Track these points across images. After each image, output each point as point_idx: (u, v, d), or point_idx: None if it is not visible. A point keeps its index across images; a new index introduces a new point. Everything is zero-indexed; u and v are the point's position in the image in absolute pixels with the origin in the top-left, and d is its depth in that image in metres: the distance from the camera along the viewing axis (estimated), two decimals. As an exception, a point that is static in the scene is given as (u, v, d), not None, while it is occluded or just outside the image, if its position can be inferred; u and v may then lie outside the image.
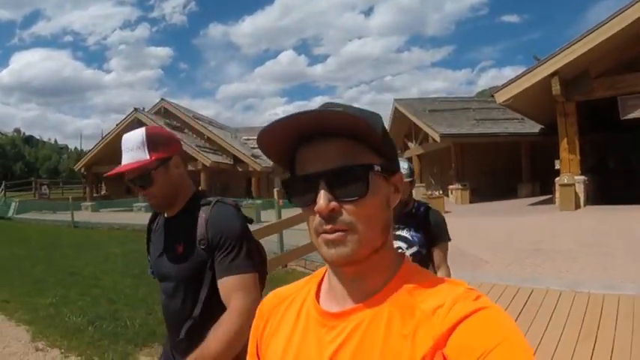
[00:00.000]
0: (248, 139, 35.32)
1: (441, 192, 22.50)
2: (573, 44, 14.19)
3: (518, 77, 15.62)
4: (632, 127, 16.01)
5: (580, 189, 15.36)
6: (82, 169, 34.05)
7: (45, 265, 10.65)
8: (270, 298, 1.06)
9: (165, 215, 2.13)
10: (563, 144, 15.66)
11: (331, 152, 0.82)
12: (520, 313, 5.20)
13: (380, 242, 0.85)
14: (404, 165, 2.98)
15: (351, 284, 0.87)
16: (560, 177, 15.72)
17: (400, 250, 2.80)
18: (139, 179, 1.98)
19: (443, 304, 0.79)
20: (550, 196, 17.70)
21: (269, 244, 7.76)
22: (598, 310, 5.07)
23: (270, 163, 31.46)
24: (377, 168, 0.82)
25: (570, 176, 15.38)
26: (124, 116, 32.55)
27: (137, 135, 1.99)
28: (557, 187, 15.76)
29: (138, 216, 21.50)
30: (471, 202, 22.31)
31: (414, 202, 3.16)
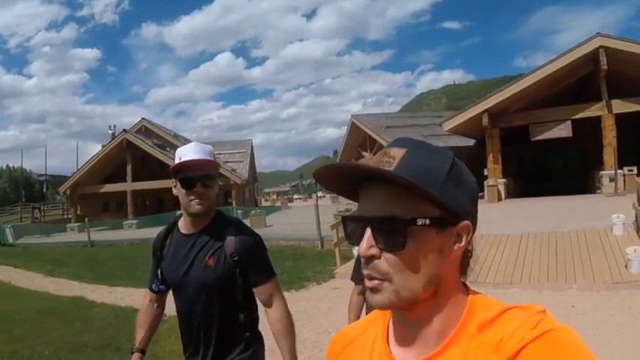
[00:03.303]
0: (220, 154, 37.60)
1: None
2: (500, 92, 20.76)
3: (459, 113, 22.29)
4: (543, 142, 22.49)
5: (502, 188, 21.70)
6: (67, 191, 33.86)
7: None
8: (339, 338, 1.06)
9: (186, 231, 2.35)
10: (490, 157, 21.87)
11: (380, 198, 0.83)
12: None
13: (425, 293, 0.83)
14: None
15: (417, 328, 0.87)
16: (487, 180, 21.78)
17: None
18: (207, 177, 2.25)
19: (505, 334, 0.78)
20: (481, 193, 24.45)
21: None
22: (509, 241, 10.00)
23: (246, 176, 36.24)
24: (421, 222, 0.80)
25: (494, 179, 21.63)
26: (112, 137, 33.86)
27: (208, 146, 2.34)
28: (485, 187, 21.83)
29: (141, 232, 22.43)
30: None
31: None
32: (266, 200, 55.70)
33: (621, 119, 19.88)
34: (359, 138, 37.71)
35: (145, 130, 36.11)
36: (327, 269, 11.34)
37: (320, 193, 66.07)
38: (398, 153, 0.83)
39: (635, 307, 6.66)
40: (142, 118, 38.12)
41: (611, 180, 19.31)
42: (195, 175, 2.20)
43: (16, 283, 13.27)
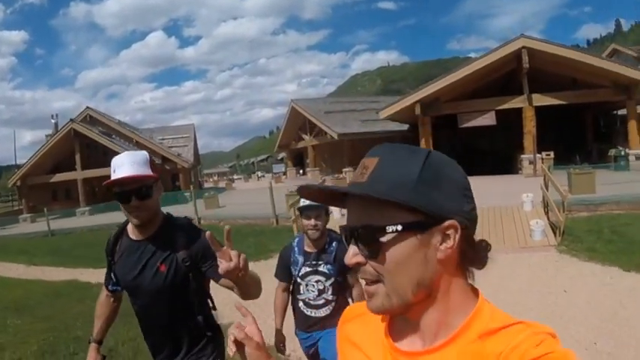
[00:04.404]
0: (163, 139, 38.87)
1: (338, 175, 29.89)
2: (431, 84, 22.61)
3: (394, 103, 24.05)
4: (472, 128, 24.44)
5: None
6: (18, 182, 33.19)
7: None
8: (353, 308, 1.11)
9: (135, 237, 2.33)
10: (422, 142, 23.56)
11: (357, 209, 0.86)
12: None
13: (416, 297, 0.84)
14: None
15: (414, 325, 0.89)
16: None
17: (320, 283, 3.29)
18: (141, 190, 2.19)
19: (506, 348, 0.78)
20: None
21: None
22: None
23: (191, 160, 36.83)
24: (392, 229, 0.81)
25: None
26: (55, 127, 33.73)
27: (142, 154, 2.26)
28: None
29: (96, 218, 22.75)
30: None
31: (327, 238, 3.34)
32: (206, 182, 55.53)
33: (540, 111, 22.18)
34: (299, 121, 39.31)
35: (90, 118, 35.90)
36: (288, 242, 12.26)
37: (259, 173, 67.13)
38: (371, 163, 0.85)
39: (533, 264, 8.57)
40: (87, 107, 37.48)
41: (530, 163, 21.53)
42: (129, 189, 2.17)
43: (3, 274, 13.40)
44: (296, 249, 3.42)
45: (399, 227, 0.81)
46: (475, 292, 0.90)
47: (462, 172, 0.89)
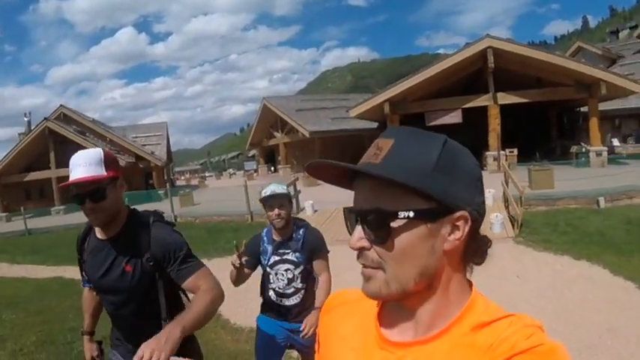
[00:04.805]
0: (136, 137, 38.27)
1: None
2: (399, 83, 23.17)
3: (364, 102, 24.54)
4: (440, 125, 25.11)
5: None
6: None
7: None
8: (337, 295, 1.08)
9: (101, 237, 2.26)
10: None
11: (367, 191, 0.83)
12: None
13: (416, 286, 0.83)
14: (275, 189, 3.29)
15: (409, 315, 0.87)
16: None
17: (289, 272, 3.32)
18: (95, 192, 2.09)
19: (496, 340, 0.77)
20: None
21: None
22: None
23: (165, 158, 36.35)
24: (404, 214, 0.79)
25: None
26: (28, 125, 33.18)
27: (95, 152, 2.14)
28: None
29: (71, 217, 22.24)
30: (331, 178, 31.04)
31: (294, 226, 3.37)
32: (178, 180, 54.86)
33: (506, 108, 22.95)
34: (270, 119, 39.60)
35: (64, 116, 35.26)
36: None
37: (231, 170, 66.86)
38: (386, 144, 0.83)
39: (491, 254, 8.98)
40: (61, 105, 36.70)
41: (494, 159, 22.17)
42: (83, 191, 2.10)
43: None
44: (265, 238, 3.44)
45: (412, 214, 0.80)
46: (470, 285, 0.90)
47: (476, 162, 0.88)
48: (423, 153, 0.81)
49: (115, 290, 2.25)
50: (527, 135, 28.88)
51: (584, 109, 24.60)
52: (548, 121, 31.14)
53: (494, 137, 22.51)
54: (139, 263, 2.20)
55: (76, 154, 2.14)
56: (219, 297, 2.16)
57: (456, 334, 0.82)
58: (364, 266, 0.84)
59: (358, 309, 0.98)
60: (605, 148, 22.46)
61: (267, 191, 3.27)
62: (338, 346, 0.98)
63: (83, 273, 2.46)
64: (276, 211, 3.24)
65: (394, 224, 0.80)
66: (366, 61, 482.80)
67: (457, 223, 0.81)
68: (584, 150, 22.52)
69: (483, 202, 0.86)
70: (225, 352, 5.66)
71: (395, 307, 0.90)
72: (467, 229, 0.82)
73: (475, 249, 0.87)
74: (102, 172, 2.11)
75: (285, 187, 3.38)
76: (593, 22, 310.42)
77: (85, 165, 2.08)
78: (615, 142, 28.56)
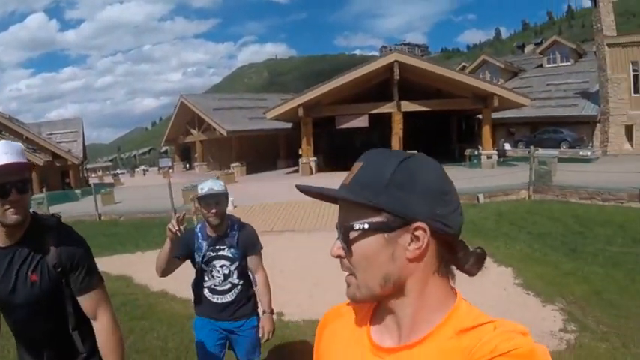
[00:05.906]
0: (51, 134, 35.85)
1: (227, 170, 31.01)
2: (313, 89, 25.04)
3: (280, 105, 26.31)
4: (350, 128, 26.98)
5: (312, 165, 26.19)
6: None
7: None
8: (332, 312, 1.13)
9: (2, 244, 2.00)
10: (304, 140, 26.19)
11: (341, 208, 0.93)
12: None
13: (383, 291, 0.90)
14: (213, 186, 3.18)
15: (393, 319, 0.94)
16: (301, 158, 26.39)
17: (225, 267, 3.28)
18: (22, 182, 1.95)
19: (478, 343, 0.81)
20: (297, 168, 28.25)
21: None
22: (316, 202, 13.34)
23: (81, 155, 34.81)
24: (359, 227, 0.87)
25: (307, 157, 26.11)
26: None
27: (18, 145, 2.01)
28: (300, 164, 26.47)
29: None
30: (247, 174, 31.81)
31: (229, 223, 3.32)
32: (91, 177, 50.75)
33: (411, 115, 25.34)
34: (187, 116, 40.22)
35: None
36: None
37: (144, 167, 65.12)
38: (356, 167, 0.93)
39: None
40: None
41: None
42: (10, 181, 1.90)
43: None
44: (199, 234, 3.33)
45: (366, 225, 0.87)
46: (455, 292, 0.93)
47: (443, 177, 0.92)
48: (380, 170, 0.88)
49: (21, 303, 2.03)
50: (429, 139, 31.51)
51: (480, 116, 27.25)
52: (449, 127, 34.30)
53: (396, 140, 24.62)
54: (45, 271, 2.02)
55: (2, 142, 1.98)
56: (121, 335, 2.19)
57: (440, 338, 0.87)
58: (347, 275, 0.94)
59: (352, 320, 1.04)
60: (495, 152, 25.32)
61: (205, 189, 3.19)
62: (335, 358, 1.04)
63: None
64: (214, 209, 3.18)
65: (353, 235, 0.89)
66: (283, 58, 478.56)
67: (416, 233, 0.86)
68: (476, 153, 25.45)
69: (452, 214, 0.89)
70: (186, 315, 5.83)
71: (382, 313, 0.97)
72: (426, 239, 0.86)
73: (451, 258, 0.93)
74: (26, 162, 2.01)
75: (223, 185, 3.28)
76: (505, 34, 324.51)
77: (10, 153, 1.91)
78: (507, 146, 31.69)
